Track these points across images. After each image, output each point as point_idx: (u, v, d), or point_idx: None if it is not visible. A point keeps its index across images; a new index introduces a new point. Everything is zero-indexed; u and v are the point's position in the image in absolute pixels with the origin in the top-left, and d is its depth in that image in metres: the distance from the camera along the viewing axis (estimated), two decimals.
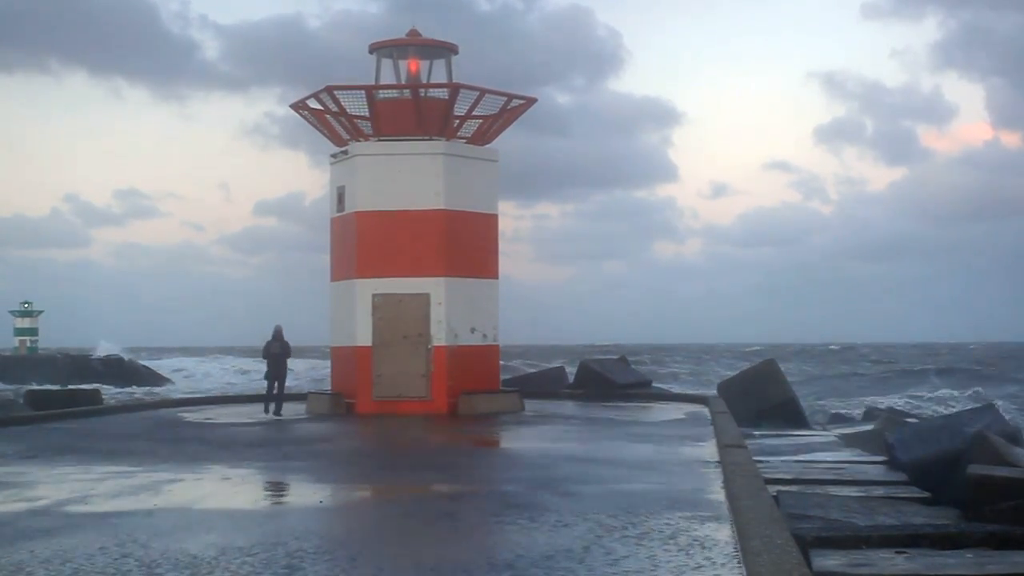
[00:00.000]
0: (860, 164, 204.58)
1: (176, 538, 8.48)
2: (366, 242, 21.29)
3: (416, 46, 22.58)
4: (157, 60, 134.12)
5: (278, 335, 21.12)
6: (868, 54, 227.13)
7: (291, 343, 21.39)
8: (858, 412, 29.02)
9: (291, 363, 22.80)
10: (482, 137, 22.50)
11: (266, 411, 21.19)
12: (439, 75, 22.65)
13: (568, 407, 22.69)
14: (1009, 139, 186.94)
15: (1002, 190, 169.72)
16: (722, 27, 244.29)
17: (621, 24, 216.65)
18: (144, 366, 69.56)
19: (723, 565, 7.31)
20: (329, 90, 21.42)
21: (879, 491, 12.22)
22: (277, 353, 21.07)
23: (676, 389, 35.31)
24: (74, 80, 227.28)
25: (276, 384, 21.14)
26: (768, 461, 14.37)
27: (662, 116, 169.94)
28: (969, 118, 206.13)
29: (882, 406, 32.80)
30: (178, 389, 58.00)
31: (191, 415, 21.73)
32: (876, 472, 13.84)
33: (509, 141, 24.08)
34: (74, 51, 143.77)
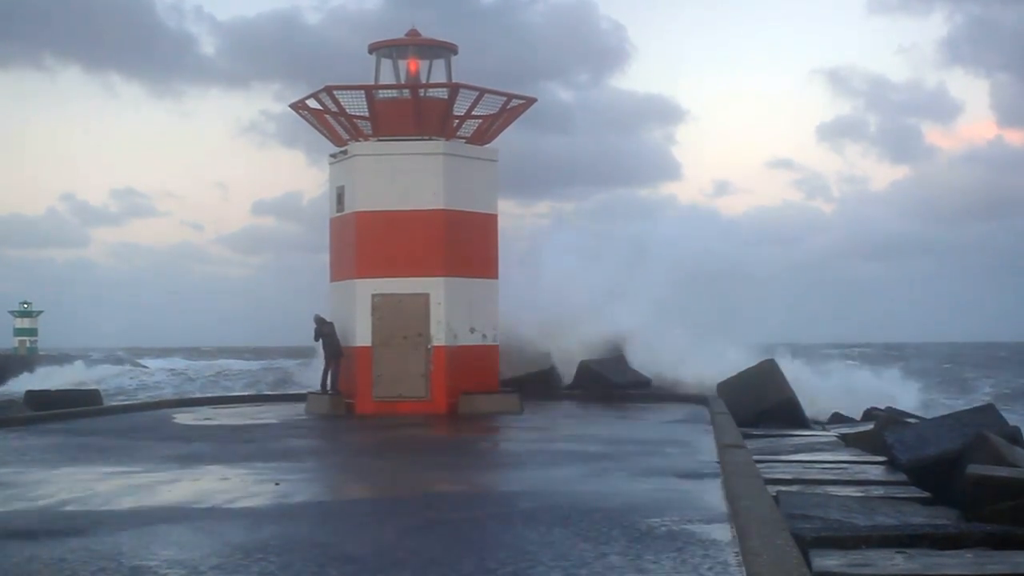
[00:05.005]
0: (864, 162, 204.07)
1: (173, 540, 8.48)
2: (365, 242, 21.30)
3: (415, 46, 22.60)
4: (152, 55, 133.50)
5: (321, 320, 21.69)
6: (874, 50, 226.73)
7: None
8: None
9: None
10: (482, 137, 22.50)
11: (323, 390, 21.73)
12: (439, 75, 22.67)
13: (567, 407, 22.67)
14: (1014, 137, 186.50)
15: (1007, 189, 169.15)
16: (726, 23, 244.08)
17: (625, 18, 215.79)
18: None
19: (723, 565, 7.31)
20: (328, 90, 21.43)
21: (879, 491, 12.21)
22: (328, 333, 21.55)
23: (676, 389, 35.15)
24: (68, 76, 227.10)
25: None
26: (768, 461, 14.35)
27: (665, 113, 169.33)
28: (974, 115, 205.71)
29: None
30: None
31: (190, 415, 21.73)
32: (876, 472, 13.82)
33: (510, 139, 24.10)
34: (68, 46, 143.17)
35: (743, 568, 7.06)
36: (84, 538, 8.51)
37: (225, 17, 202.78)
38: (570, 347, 27.22)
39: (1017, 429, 14.98)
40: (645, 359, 27.10)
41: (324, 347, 21.72)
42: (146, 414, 22.26)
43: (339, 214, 22.10)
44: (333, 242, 22.54)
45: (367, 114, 21.74)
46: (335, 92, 21.47)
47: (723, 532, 8.43)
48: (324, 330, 21.68)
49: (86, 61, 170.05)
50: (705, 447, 14.55)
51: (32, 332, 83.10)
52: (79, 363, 72.83)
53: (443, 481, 12.19)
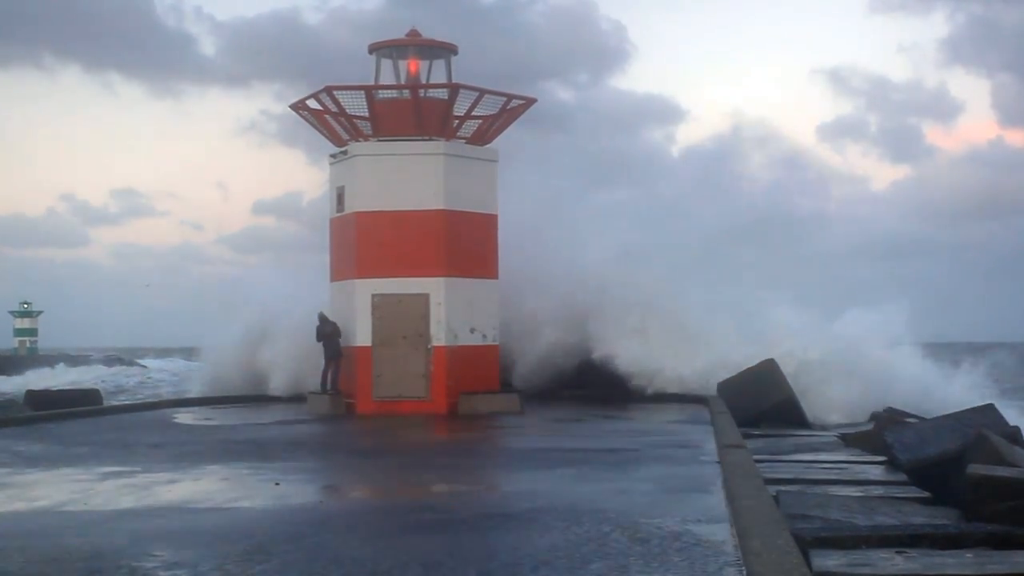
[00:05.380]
0: (864, 162, 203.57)
1: (172, 541, 8.47)
2: (366, 242, 21.31)
3: (416, 46, 22.61)
4: (152, 55, 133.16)
5: (324, 318, 21.75)
6: (875, 50, 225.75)
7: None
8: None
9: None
10: (482, 137, 22.51)
11: (323, 389, 21.71)
12: (439, 75, 22.68)
13: (567, 408, 22.65)
14: (1015, 137, 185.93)
15: (1008, 189, 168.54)
16: (726, 23, 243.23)
17: (625, 18, 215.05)
18: None
19: (723, 565, 7.31)
20: (328, 90, 21.43)
21: (879, 491, 12.20)
22: (330, 333, 21.61)
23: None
24: (68, 76, 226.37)
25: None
26: (768, 461, 14.34)
27: (665, 113, 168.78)
28: (976, 115, 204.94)
29: None
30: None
31: (191, 416, 21.73)
32: (876, 472, 13.82)
33: (510, 139, 24.03)
34: (68, 46, 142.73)
35: (743, 568, 7.05)
36: (83, 538, 8.50)
37: (225, 17, 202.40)
38: (508, 327, 23.75)
39: (1017, 429, 14.98)
40: (608, 341, 24.77)
41: (325, 347, 21.73)
42: (146, 414, 22.25)
43: (339, 214, 22.11)
44: (333, 242, 22.55)
45: (367, 114, 21.74)
46: (335, 92, 21.48)
47: (723, 532, 8.42)
48: (326, 330, 21.70)
49: (86, 61, 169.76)
50: (705, 447, 14.54)
51: (32, 332, 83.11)
52: (60, 365, 71.20)
53: (443, 481, 12.18)
